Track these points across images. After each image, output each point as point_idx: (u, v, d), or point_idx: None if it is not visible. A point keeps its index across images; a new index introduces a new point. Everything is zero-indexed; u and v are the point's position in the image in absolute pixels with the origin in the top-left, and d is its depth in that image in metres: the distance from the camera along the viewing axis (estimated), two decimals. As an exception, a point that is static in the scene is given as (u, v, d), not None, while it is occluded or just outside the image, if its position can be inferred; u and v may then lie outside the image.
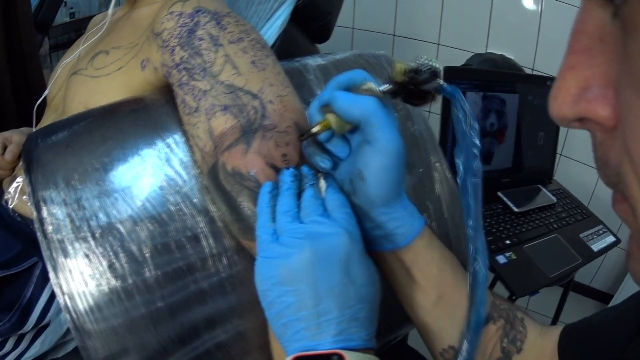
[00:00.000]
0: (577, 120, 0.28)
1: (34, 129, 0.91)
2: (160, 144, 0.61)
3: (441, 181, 0.75)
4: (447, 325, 0.58)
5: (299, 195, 0.53)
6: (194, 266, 0.58)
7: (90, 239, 0.56)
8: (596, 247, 1.46)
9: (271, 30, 1.12)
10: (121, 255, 0.56)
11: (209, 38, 0.61)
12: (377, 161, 0.51)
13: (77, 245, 0.55)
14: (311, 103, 0.56)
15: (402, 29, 2.66)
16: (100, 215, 0.57)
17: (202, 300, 0.58)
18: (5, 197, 0.87)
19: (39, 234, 0.56)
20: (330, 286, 0.47)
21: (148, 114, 0.64)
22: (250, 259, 0.59)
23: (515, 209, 1.43)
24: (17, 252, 0.85)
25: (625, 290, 2.43)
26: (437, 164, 0.76)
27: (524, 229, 1.36)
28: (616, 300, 2.49)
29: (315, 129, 0.54)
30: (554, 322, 1.88)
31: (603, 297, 2.70)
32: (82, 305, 0.54)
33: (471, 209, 0.51)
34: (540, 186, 1.62)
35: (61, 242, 0.55)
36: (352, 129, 0.54)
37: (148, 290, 0.56)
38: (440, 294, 0.57)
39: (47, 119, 0.91)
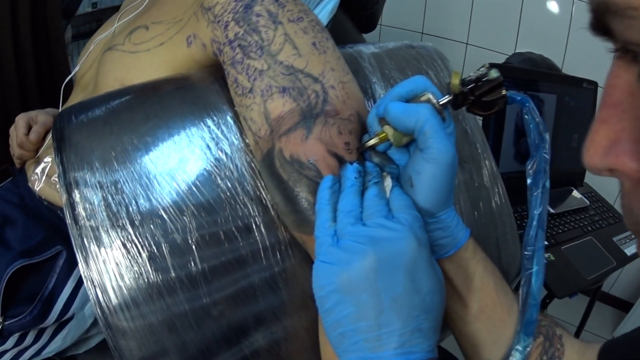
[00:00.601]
0: (607, 170, 0.30)
1: (60, 109, 0.86)
2: (210, 124, 0.56)
3: (490, 177, 0.72)
4: (486, 339, 0.56)
5: (362, 193, 0.50)
6: (245, 259, 0.53)
7: (128, 226, 0.51)
8: (629, 251, 1.44)
9: (321, 15, 1.08)
10: (164, 245, 0.51)
11: (267, 15, 0.56)
12: (427, 169, 0.49)
13: (113, 233, 0.50)
14: (370, 112, 0.53)
15: (430, 27, 2.63)
16: (141, 201, 0.52)
17: (252, 297, 0.53)
18: (32, 178, 0.82)
19: (68, 220, 0.51)
20: (393, 296, 0.44)
21: (196, 92, 0.59)
22: (304, 252, 0.55)
23: (552, 210, 1.39)
24: (39, 240, 0.79)
25: (647, 299, 2.38)
26: (486, 161, 0.72)
27: (560, 231, 1.32)
28: (637, 309, 2.44)
29: (372, 142, 0.51)
30: (579, 330, 1.85)
31: (623, 305, 2.65)
32: (116, 301, 0.49)
33: (534, 224, 0.52)
34: (573, 189, 1.58)
35: (95, 229, 0.50)
36: (410, 141, 0.52)
37: (193, 285, 0.51)
38: (481, 308, 0.55)
39: (76, 98, 0.86)
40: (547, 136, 0.53)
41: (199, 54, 0.64)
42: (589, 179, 1.74)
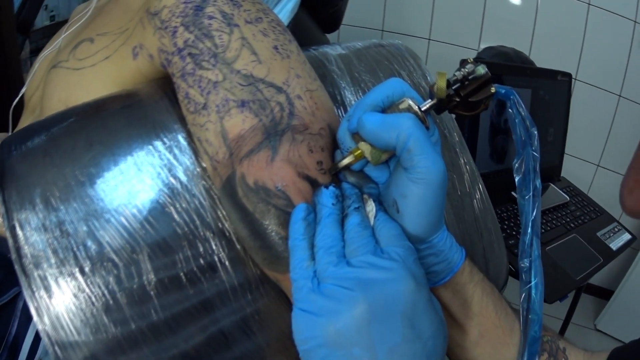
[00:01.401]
0: None
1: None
2: (161, 148, 0.49)
3: (472, 182, 0.67)
4: None
5: (341, 221, 0.44)
6: (212, 303, 0.46)
7: (78, 274, 0.44)
8: (614, 245, 1.43)
9: (282, 15, 1.00)
10: (119, 294, 0.44)
11: (221, 16, 0.49)
12: (415, 192, 0.43)
13: (62, 283, 0.44)
14: (340, 125, 0.47)
15: (391, 24, 2.59)
16: (89, 243, 0.45)
17: (224, 345, 0.47)
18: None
19: (16, 267, 0.45)
20: (391, 347, 0.38)
21: (143, 111, 0.52)
22: (278, 288, 0.49)
23: (533, 210, 1.34)
24: (-3, 281, 0.73)
25: (627, 286, 2.39)
26: (467, 166, 0.67)
27: (543, 230, 1.28)
28: (617, 296, 2.45)
29: (346, 161, 0.45)
30: (565, 324, 1.83)
31: (603, 293, 2.66)
32: (76, 358, 0.44)
33: (528, 228, 0.49)
34: (551, 184, 1.55)
35: (43, 278, 0.44)
36: (390, 157, 0.45)
37: (156, 337, 0.45)
38: (481, 333, 0.51)
39: (24, 122, 0.78)
40: (535, 131, 0.48)
41: (146, 66, 0.56)
42: (566, 172, 1.72)
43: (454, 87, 0.44)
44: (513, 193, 1.37)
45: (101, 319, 0.44)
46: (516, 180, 0.50)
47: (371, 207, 0.45)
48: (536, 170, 0.48)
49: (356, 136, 0.44)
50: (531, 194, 0.49)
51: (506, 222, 1.25)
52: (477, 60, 1.53)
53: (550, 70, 1.59)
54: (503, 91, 0.47)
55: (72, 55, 0.64)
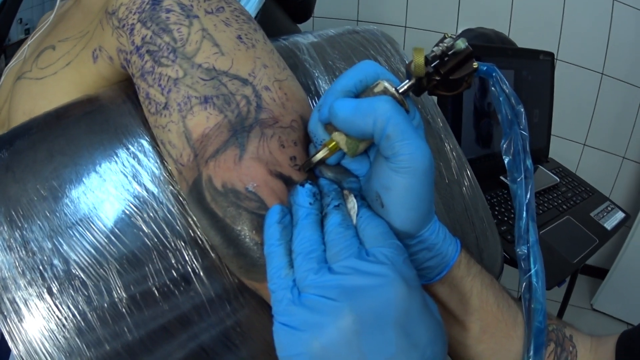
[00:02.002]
0: None
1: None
2: (123, 155, 0.46)
3: (460, 169, 0.64)
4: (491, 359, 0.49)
5: (320, 222, 0.40)
6: (188, 317, 0.43)
7: (47, 296, 0.42)
8: (609, 225, 1.41)
9: (249, 6, 0.97)
10: (89, 314, 0.42)
11: (179, 9, 0.45)
12: (399, 183, 0.39)
13: (32, 305, 0.42)
14: (310, 117, 0.43)
15: (365, 13, 2.57)
16: (56, 262, 0.42)
17: (205, 362, 0.44)
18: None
19: None
20: (386, 358, 0.34)
21: (105, 116, 0.49)
22: (258, 296, 0.46)
23: (523, 193, 1.31)
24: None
25: (622, 264, 2.38)
26: (453, 152, 0.65)
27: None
28: (612, 275, 2.44)
29: (319, 155, 0.41)
30: (563, 306, 1.82)
31: (597, 272, 2.65)
32: None
33: (523, 212, 0.47)
34: (540, 166, 1.53)
35: (12, 302, 0.42)
36: (369, 146, 0.42)
37: (133, 357, 0.42)
38: (483, 328, 0.48)
39: (-5, 138, 0.74)
40: (522, 109, 0.46)
41: (106, 69, 0.53)
42: (552, 153, 1.70)
43: (432, 65, 0.41)
44: (502, 178, 1.35)
45: (74, 341, 0.41)
46: (505, 162, 0.48)
47: (352, 203, 0.41)
48: (526, 150, 0.46)
49: (329, 126, 0.41)
50: (523, 175, 0.46)
51: (497, 208, 1.23)
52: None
53: (532, 50, 1.57)
54: (485, 68, 0.44)
55: (35, 64, 0.62)
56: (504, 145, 0.47)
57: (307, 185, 0.40)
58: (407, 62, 0.64)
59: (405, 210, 0.40)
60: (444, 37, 0.41)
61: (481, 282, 0.47)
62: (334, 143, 0.40)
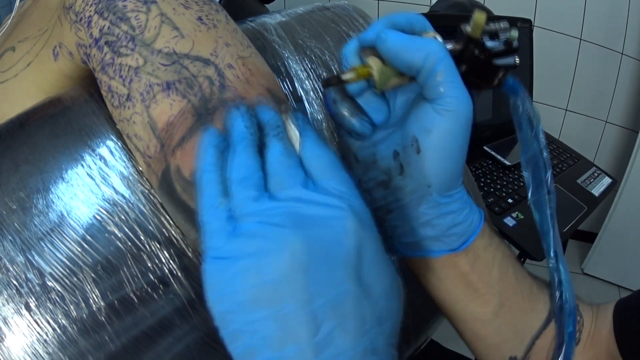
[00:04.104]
0: None
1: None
2: (89, 158, 0.44)
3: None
4: (508, 335, 0.48)
5: (259, 151, 0.35)
6: (170, 321, 0.42)
7: (24, 311, 0.40)
8: (596, 191, 1.40)
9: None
10: (69, 327, 0.40)
11: None
12: (442, 125, 0.37)
13: (12, 322, 0.40)
14: (348, 42, 0.41)
15: (338, -11, 2.52)
16: (30, 276, 0.41)
17: (191, 366, 0.43)
18: None
19: None
20: (333, 303, 0.30)
21: (68, 118, 0.47)
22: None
23: (507, 163, 1.32)
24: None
25: (610, 227, 2.40)
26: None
27: (521, 184, 1.25)
28: (601, 239, 2.46)
29: (348, 76, 0.38)
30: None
31: (587, 236, 2.67)
32: None
33: (547, 229, 0.46)
34: (524, 135, 1.51)
35: None
36: (398, 85, 0.40)
37: None
38: (501, 302, 0.46)
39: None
40: (541, 127, 0.45)
41: (67, 66, 0.51)
42: (536, 121, 1.69)
43: (484, 37, 0.39)
44: (486, 148, 1.34)
45: (57, 357, 0.40)
46: (525, 176, 0.47)
47: (293, 130, 0.36)
48: (547, 180, 0.45)
49: (367, 51, 0.39)
50: (548, 211, 0.46)
51: (482, 180, 1.22)
52: (431, 13, 1.49)
53: (509, 17, 1.55)
54: (511, 82, 0.43)
55: None
56: (524, 162, 0.47)
57: (242, 107, 0.37)
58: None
59: (443, 157, 0.39)
60: (499, 18, 0.40)
61: (502, 253, 0.46)
62: (366, 69, 0.38)
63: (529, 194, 0.47)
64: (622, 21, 2.22)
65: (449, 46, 0.39)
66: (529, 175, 0.46)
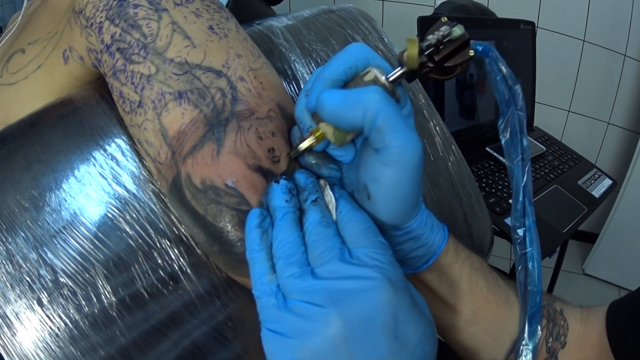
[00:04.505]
0: None
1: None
2: (101, 157, 0.45)
3: (444, 145, 0.63)
4: (486, 340, 0.50)
5: (299, 220, 0.39)
6: (179, 316, 0.43)
7: (37, 307, 0.41)
8: (597, 192, 1.41)
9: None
10: (81, 322, 0.41)
11: (147, 3, 0.44)
12: (388, 176, 0.38)
13: (24, 318, 0.41)
14: (297, 101, 0.42)
15: (342, -11, 2.53)
16: (43, 272, 0.42)
17: (200, 358, 0.44)
18: None
19: None
20: None
21: (79, 118, 0.48)
22: (248, 290, 0.45)
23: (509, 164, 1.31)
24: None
25: (611, 228, 2.40)
26: (437, 128, 0.64)
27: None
28: (602, 239, 2.46)
29: (305, 144, 0.40)
30: (556, 271, 1.83)
31: (588, 237, 2.67)
32: None
33: (520, 194, 0.47)
34: (525, 136, 1.52)
35: (4, 316, 0.41)
36: (357, 135, 0.41)
37: None
38: (474, 311, 0.48)
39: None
40: (519, 89, 0.45)
41: (77, 69, 0.52)
42: (538, 122, 1.70)
43: (427, 53, 0.39)
44: (488, 149, 1.35)
45: (69, 350, 0.41)
46: (502, 142, 0.47)
47: (330, 197, 0.40)
48: (523, 131, 0.45)
49: (316, 115, 0.40)
50: (520, 157, 0.46)
51: (484, 180, 1.23)
52: (435, 16, 1.50)
53: (512, 20, 1.56)
54: (480, 48, 0.43)
55: (6, 69, 0.60)
56: (501, 125, 0.47)
57: (282, 182, 0.39)
58: (386, 43, 0.63)
59: (393, 203, 0.39)
60: (440, 22, 0.40)
61: (470, 266, 0.48)
62: (320, 133, 0.39)
63: (506, 160, 0.47)
64: (625, 23, 2.23)
65: (396, 74, 0.39)
66: (506, 140, 0.47)
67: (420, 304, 0.37)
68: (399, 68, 0.39)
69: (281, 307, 0.35)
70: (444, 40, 0.38)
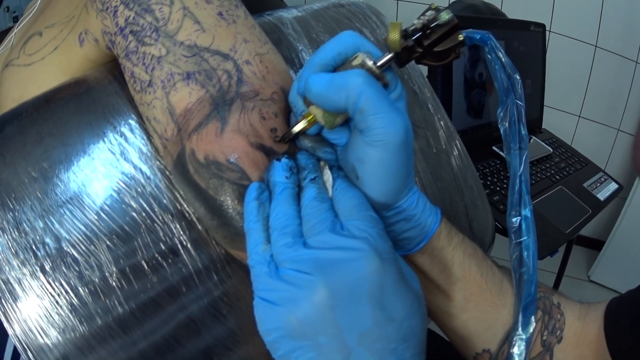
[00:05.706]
0: None
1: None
2: (111, 134, 0.47)
3: (448, 139, 0.65)
4: (478, 328, 0.50)
5: (297, 196, 0.41)
6: (177, 289, 0.44)
7: (40, 274, 0.43)
8: (602, 196, 1.41)
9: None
10: (81, 290, 0.43)
11: None
12: (373, 156, 0.39)
13: (26, 284, 0.43)
14: (291, 88, 0.44)
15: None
16: (48, 241, 0.43)
17: (195, 331, 0.45)
18: None
19: None
20: (361, 331, 0.35)
21: (92, 96, 0.50)
22: (246, 267, 0.46)
23: (515, 164, 1.32)
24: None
25: (618, 235, 2.39)
26: (441, 122, 0.65)
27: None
28: (608, 246, 2.46)
29: (298, 127, 0.42)
30: (559, 277, 1.83)
31: (595, 244, 2.67)
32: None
33: (516, 183, 0.48)
34: (533, 137, 1.53)
35: (6, 282, 0.43)
36: (347, 117, 0.42)
37: (124, 330, 0.43)
38: (467, 297, 0.49)
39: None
40: (518, 77, 0.45)
41: (92, 51, 0.54)
42: (547, 124, 1.71)
43: (414, 37, 0.40)
44: (495, 148, 1.35)
45: (67, 318, 0.42)
46: (501, 131, 0.47)
47: (328, 175, 0.42)
48: (521, 120, 0.46)
49: (307, 99, 0.41)
50: (517, 145, 0.47)
51: (489, 178, 1.23)
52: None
53: (523, 21, 1.56)
54: (478, 36, 0.44)
55: (23, 51, 0.62)
56: (500, 114, 0.47)
57: (283, 160, 0.41)
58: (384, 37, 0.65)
59: (379, 183, 0.40)
60: (429, 8, 0.41)
61: (463, 252, 0.48)
62: (311, 116, 0.41)
63: (504, 149, 0.47)
64: (638, 30, 2.22)
65: (383, 59, 0.40)
66: (504, 129, 0.47)
67: (410, 278, 0.38)
68: (387, 53, 0.40)
69: (272, 275, 0.36)
70: (431, 25, 0.39)
